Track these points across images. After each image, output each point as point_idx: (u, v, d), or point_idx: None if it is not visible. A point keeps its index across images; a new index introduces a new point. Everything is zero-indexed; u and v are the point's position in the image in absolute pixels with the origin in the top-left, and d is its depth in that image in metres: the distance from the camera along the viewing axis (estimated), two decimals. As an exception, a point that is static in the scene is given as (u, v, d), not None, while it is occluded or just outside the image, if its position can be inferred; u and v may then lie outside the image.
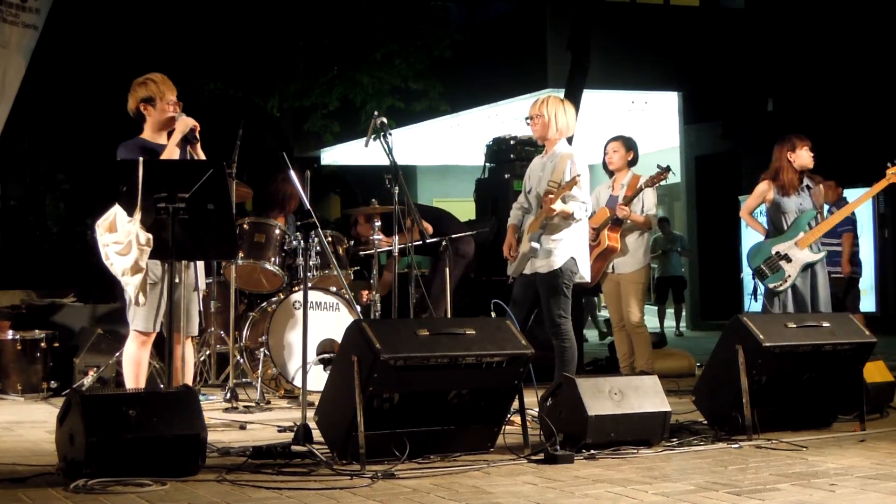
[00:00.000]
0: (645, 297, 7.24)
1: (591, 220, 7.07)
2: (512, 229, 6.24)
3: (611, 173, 7.33)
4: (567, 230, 5.92)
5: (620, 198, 7.08)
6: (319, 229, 5.88)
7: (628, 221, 7.05)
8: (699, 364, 8.25)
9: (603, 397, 4.78)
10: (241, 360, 7.02)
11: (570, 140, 6.18)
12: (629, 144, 7.28)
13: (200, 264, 5.59)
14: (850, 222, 10.12)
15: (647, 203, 7.10)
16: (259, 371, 6.74)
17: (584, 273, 6.04)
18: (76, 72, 13.96)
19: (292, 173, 5.76)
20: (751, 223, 7.22)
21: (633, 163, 7.28)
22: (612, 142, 7.32)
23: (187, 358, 5.56)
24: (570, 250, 5.92)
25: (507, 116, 16.17)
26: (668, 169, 7.06)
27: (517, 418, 4.85)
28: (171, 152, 5.30)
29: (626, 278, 7.12)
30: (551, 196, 5.80)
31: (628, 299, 7.12)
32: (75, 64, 13.85)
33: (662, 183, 7.10)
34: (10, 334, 7.18)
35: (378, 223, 7.22)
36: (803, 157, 6.87)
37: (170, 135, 5.40)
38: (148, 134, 5.45)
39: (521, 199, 6.26)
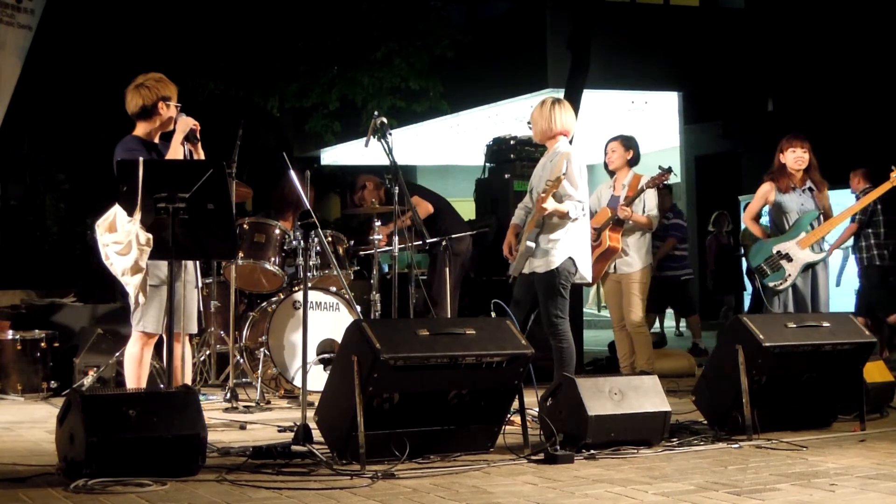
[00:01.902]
0: (646, 297, 7.22)
1: (592, 220, 7.06)
2: (513, 229, 6.23)
3: (612, 173, 7.32)
4: (565, 230, 5.91)
5: (622, 198, 7.06)
6: (319, 229, 5.88)
7: (630, 222, 7.04)
8: (699, 364, 8.25)
9: (603, 397, 4.78)
10: (241, 360, 7.02)
11: (572, 138, 6.19)
12: (628, 144, 7.26)
13: (198, 265, 5.59)
14: (680, 228, 10.27)
15: (649, 203, 7.08)
16: (259, 371, 6.74)
17: (585, 273, 6.03)
18: (76, 72, 13.96)
19: (292, 173, 5.77)
20: (752, 227, 7.22)
21: (633, 162, 7.26)
22: (610, 142, 7.32)
23: (186, 357, 5.56)
24: (568, 250, 5.92)
25: (507, 116, 16.19)
26: (669, 170, 7.05)
27: (517, 418, 4.85)
28: (176, 152, 5.30)
29: (628, 278, 7.10)
30: (542, 195, 5.81)
31: (630, 299, 7.10)
32: (75, 64, 13.85)
33: (666, 182, 7.09)
34: (10, 334, 7.18)
35: (378, 223, 7.23)
36: (788, 158, 6.90)
37: (165, 135, 5.41)
38: (141, 132, 5.45)
39: (525, 200, 6.26)
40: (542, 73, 15.33)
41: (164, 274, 5.17)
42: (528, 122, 6.18)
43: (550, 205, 5.80)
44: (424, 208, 8.03)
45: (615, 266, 7.11)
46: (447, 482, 4.10)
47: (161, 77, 5.48)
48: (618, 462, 4.54)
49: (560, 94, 11.98)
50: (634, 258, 7.10)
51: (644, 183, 7.00)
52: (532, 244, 5.90)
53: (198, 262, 5.52)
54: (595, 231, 6.98)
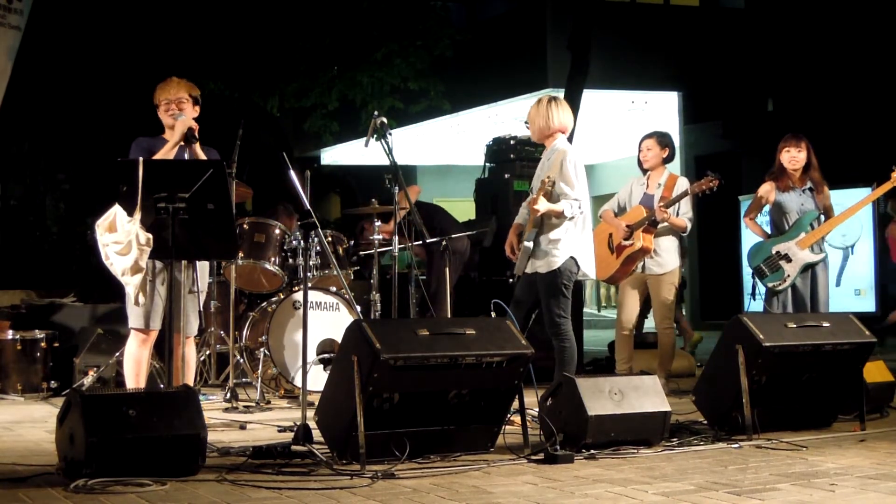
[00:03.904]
0: (676, 298, 7.15)
1: (624, 218, 7.00)
2: (515, 228, 6.23)
3: (644, 170, 7.16)
4: (565, 229, 5.90)
5: (657, 197, 6.94)
6: (319, 229, 5.88)
7: (665, 223, 6.94)
8: (699, 364, 8.24)
9: (603, 397, 4.78)
10: (241, 360, 7.02)
11: (572, 137, 6.18)
12: (664, 141, 7.09)
13: (203, 267, 5.59)
14: None
15: (685, 206, 6.96)
16: (259, 371, 6.74)
17: (588, 270, 6.02)
18: (76, 72, 13.96)
19: (292, 173, 5.76)
20: (753, 228, 7.20)
21: (668, 159, 7.11)
22: (646, 139, 7.14)
23: (189, 358, 5.57)
24: (569, 250, 5.91)
25: (507, 116, 16.19)
26: (717, 177, 6.82)
27: (517, 418, 4.85)
28: (166, 154, 5.33)
29: (661, 279, 6.98)
30: (534, 196, 5.81)
31: (662, 300, 6.98)
32: (76, 64, 13.86)
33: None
34: (10, 334, 7.18)
35: (378, 223, 7.24)
36: (784, 158, 6.91)
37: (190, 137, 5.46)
38: (167, 133, 5.53)
39: (528, 199, 6.26)
40: (542, 73, 15.33)
41: (149, 273, 5.19)
42: (526, 122, 6.18)
43: (542, 206, 5.81)
44: (413, 191, 8.03)
45: (643, 266, 7.00)
46: (447, 482, 4.10)
47: (161, 84, 5.57)
48: (618, 462, 4.54)
49: (560, 94, 11.98)
50: (667, 259, 7.00)
51: (689, 187, 6.89)
52: (530, 244, 5.90)
53: (198, 268, 5.50)
54: (628, 229, 6.91)
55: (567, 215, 5.85)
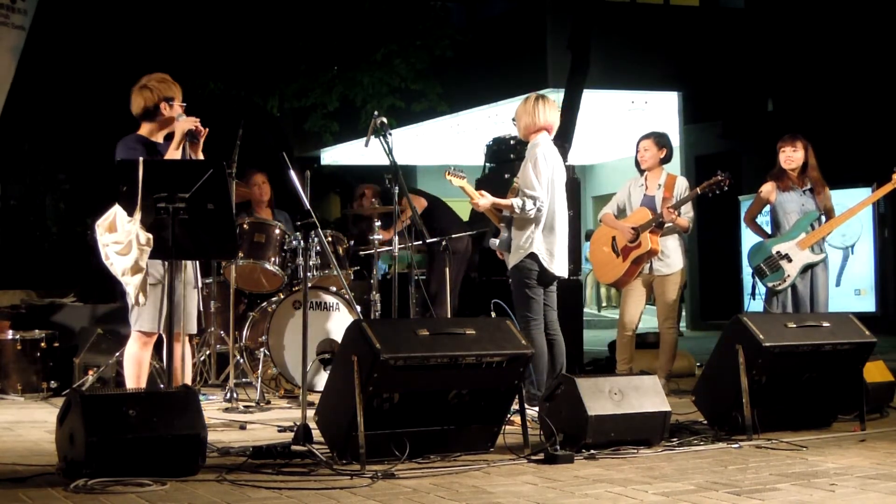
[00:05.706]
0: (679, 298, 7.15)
1: (628, 220, 6.99)
2: None
3: (641, 171, 7.14)
4: (527, 226, 5.96)
5: (658, 198, 6.93)
6: (319, 229, 5.88)
7: (670, 224, 6.92)
8: (699, 364, 8.24)
9: (603, 397, 4.78)
10: (241, 360, 7.02)
11: (566, 135, 6.24)
12: (661, 142, 7.07)
13: (197, 264, 5.59)
14: None
15: (686, 206, 6.96)
16: (259, 371, 6.74)
17: (556, 269, 6.04)
18: (77, 72, 13.97)
19: (292, 173, 5.76)
20: (753, 229, 7.19)
21: (666, 160, 7.09)
22: (643, 139, 7.12)
23: (186, 357, 5.56)
24: (531, 247, 5.96)
25: (507, 116, 16.09)
26: (727, 176, 6.78)
27: (517, 418, 4.86)
28: (173, 155, 5.31)
29: (667, 279, 6.95)
30: (478, 192, 6.04)
31: (669, 299, 6.96)
32: (76, 64, 13.86)
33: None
34: (10, 334, 7.18)
35: (378, 223, 7.24)
36: (781, 158, 6.91)
37: (169, 135, 5.42)
38: (145, 132, 5.48)
39: None
40: (542, 73, 15.33)
41: (159, 273, 5.18)
42: (513, 119, 6.26)
43: (483, 201, 6.03)
44: (419, 203, 8.06)
45: (650, 267, 6.97)
46: (447, 482, 4.10)
47: (164, 77, 5.51)
48: (618, 462, 4.54)
49: (560, 94, 11.98)
50: (674, 259, 6.98)
51: (698, 187, 6.89)
52: (494, 241, 6.06)
53: (197, 263, 5.52)
54: (633, 232, 6.89)
55: (517, 210, 5.90)
